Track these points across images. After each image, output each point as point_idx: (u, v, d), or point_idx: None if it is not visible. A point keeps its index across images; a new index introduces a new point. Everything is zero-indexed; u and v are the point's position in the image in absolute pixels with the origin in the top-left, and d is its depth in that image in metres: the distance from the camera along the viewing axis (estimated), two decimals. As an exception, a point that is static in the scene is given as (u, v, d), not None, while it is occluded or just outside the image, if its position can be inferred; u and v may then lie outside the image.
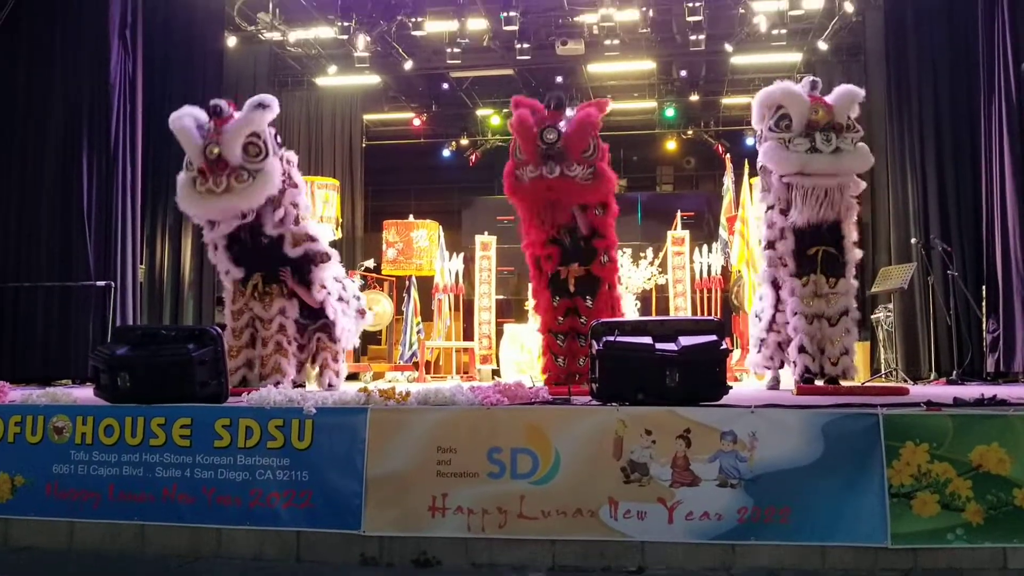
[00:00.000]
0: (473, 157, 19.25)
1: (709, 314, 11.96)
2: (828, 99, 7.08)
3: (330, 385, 8.04)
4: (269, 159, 7.11)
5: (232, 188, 6.93)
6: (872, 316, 11.46)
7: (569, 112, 7.10)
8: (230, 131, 6.99)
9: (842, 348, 7.10)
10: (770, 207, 7.44)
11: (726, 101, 17.92)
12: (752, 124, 7.77)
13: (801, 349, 7.11)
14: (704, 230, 16.34)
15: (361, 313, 8.43)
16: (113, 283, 10.12)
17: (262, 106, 7.20)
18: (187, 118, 7.14)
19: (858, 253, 7.29)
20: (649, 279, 13.14)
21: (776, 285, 7.53)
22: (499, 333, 12.83)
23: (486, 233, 13.49)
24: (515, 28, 13.55)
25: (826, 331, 7.07)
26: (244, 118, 7.13)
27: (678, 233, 12.96)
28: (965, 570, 4.61)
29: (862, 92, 7.19)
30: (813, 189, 6.96)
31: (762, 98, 7.34)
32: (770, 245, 7.39)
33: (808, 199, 6.98)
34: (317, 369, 8.21)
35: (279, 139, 7.48)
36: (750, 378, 10.97)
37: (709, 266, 12.48)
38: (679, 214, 13.88)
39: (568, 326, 7.26)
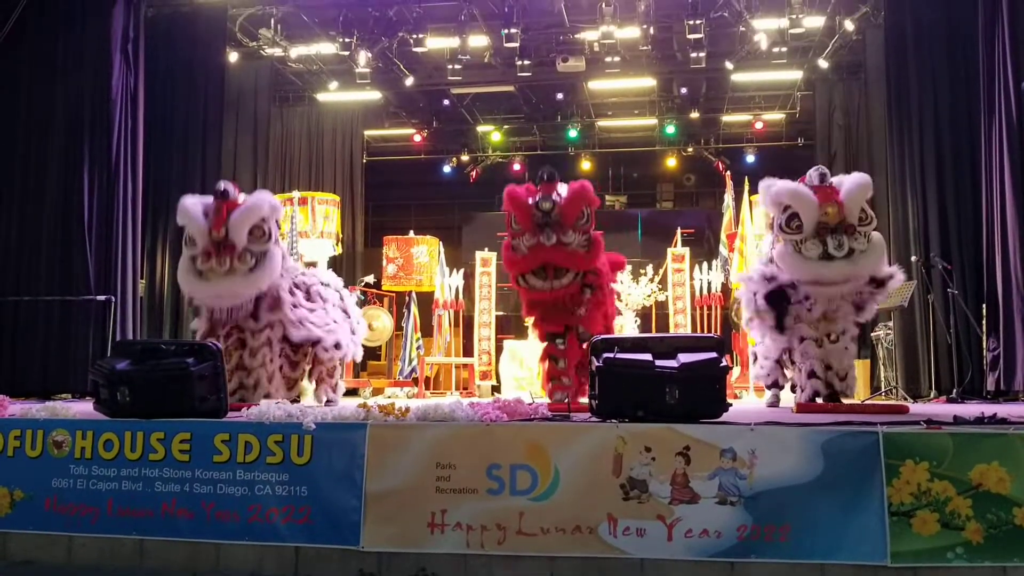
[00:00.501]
0: (474, 173, 19.28)
1: (709, 331, 11.96)
2: (841, 193, 6.85)
3: (328, 400, 8.03)
4: (272, 244, 7.17)
5: (236, 270, 6.97)
6: (872, 334, 11.46)
7: (561, 186, 7.14)
8: (238, 216, 7.02)
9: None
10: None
11: (726, 118, 17.95)
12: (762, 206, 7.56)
13: (812, 375, 7.13)
14: (704, 247, 16.36)
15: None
16: (113, 297, 10.14)
17: (272, 205, 7.30)
18: (194, 203, 7.18)
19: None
20: (649, 296, 13.14)
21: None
22: (499, 349, 12.82)
23: (486, 249, 13.49)
24: (516, 45, 13.57)
25: (829, 348, 7.08)
26: (254, 204, 7.17)
27: (678, 250, 12.98)
28: (965, 589, 4.60)
29: (870, 183, 7.02)
30: (826, 294, 6.94)
31: (771, 195, 7.11)
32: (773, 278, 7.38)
33: (821, 301, 6.98)
34: (314, 384, 8.20)
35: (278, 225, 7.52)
36: (750, 395, 10.98)
37: (709, 283, 12.48)
38: (679, 231, 13.88)
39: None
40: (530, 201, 6.96)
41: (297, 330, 7.51)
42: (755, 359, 8.17)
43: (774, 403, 7.99)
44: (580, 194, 7.04)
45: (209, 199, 7.18)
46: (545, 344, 7.35)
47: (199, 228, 7.03)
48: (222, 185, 7.25)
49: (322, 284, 8.13)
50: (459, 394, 12.21)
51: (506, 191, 7.14)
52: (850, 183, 6.92)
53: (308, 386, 8.27)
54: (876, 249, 6.88)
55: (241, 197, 7.27)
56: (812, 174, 7.07)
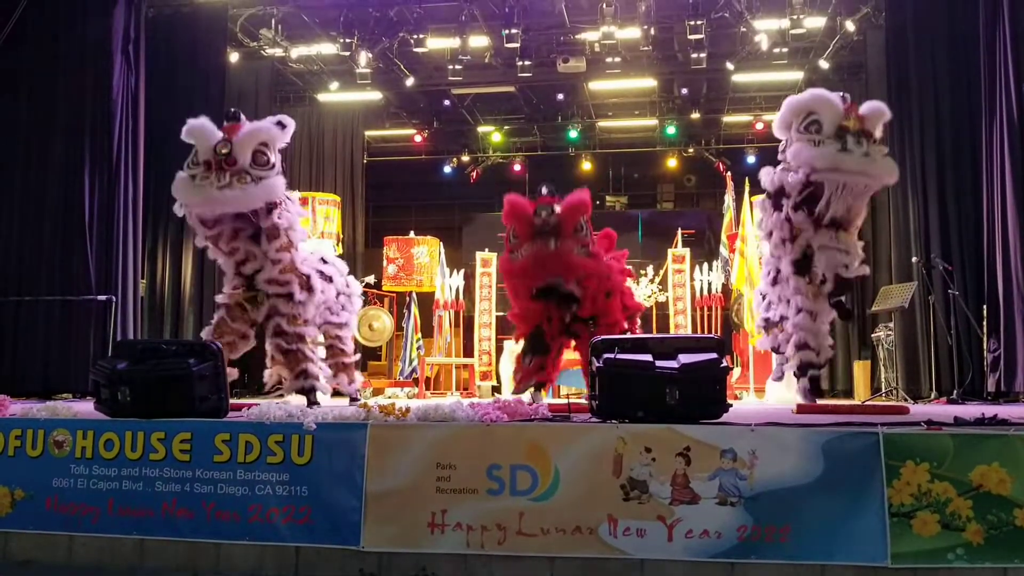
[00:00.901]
0: (474, 174, 19.27)
1: (709, 332, 11.96)
2: (864, 108, 7.07)
3: (351, 396, 8.07)
4: (274, 172, 7.14)
5: (232, 186, 6.93)
6: (873, 335, 11.46)
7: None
8: (244, 133, 7.06)
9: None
10: (770, 233, 7.48)
11: (727, 119, 17.94)
12: (774, 130, 7.56)
13: (804, 345, 7.19)
14: (705, 248, 16.37)
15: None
16: (114, 297, 10.15)
17: (281, 124, 7.30)
18: (203, 120, 7.19)
19: (865, 269, 7.31)
20: (649, 297, 13.15)
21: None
22: (499, 349, 12.83)
23: (487, 250, 13.50)
24: (517, 45, 13.57)
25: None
26: (260, 126, 7.22)
27: (679, 251, 12.98)
28: (965, 590, 4.60)
29: (888, 112, 7.18)
30: (845, 185, 6.94)
31: (792, 104, 7.25)
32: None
33: (839, 194, 6.96)
34: (332, 372, 8.23)
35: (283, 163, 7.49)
36: (750, 396, 10.99)
37: (710, 284, 12.48)
38: (680, 232, 13.89)
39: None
40: (529, 209, 6.99)
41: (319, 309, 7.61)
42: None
43: (780, 376, 8.09)
44: (577, 204, 7.05)
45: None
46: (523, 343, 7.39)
47: (206, 143, 7.04)
48: (233, 109, 7.38)
49: (340, 273, 8.19)
50: (459, 394, 12.22)
51: (507, 201, 7.13)
52: (870, 104, 7.13)
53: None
54: (887, 164, 7.05)
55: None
56: (836, 96, 7.13)
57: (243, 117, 7.32)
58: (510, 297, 7.44)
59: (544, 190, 7.11)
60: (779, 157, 7.42)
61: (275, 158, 7.19)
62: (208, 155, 7.00)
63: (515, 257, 7.02)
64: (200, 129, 7.12)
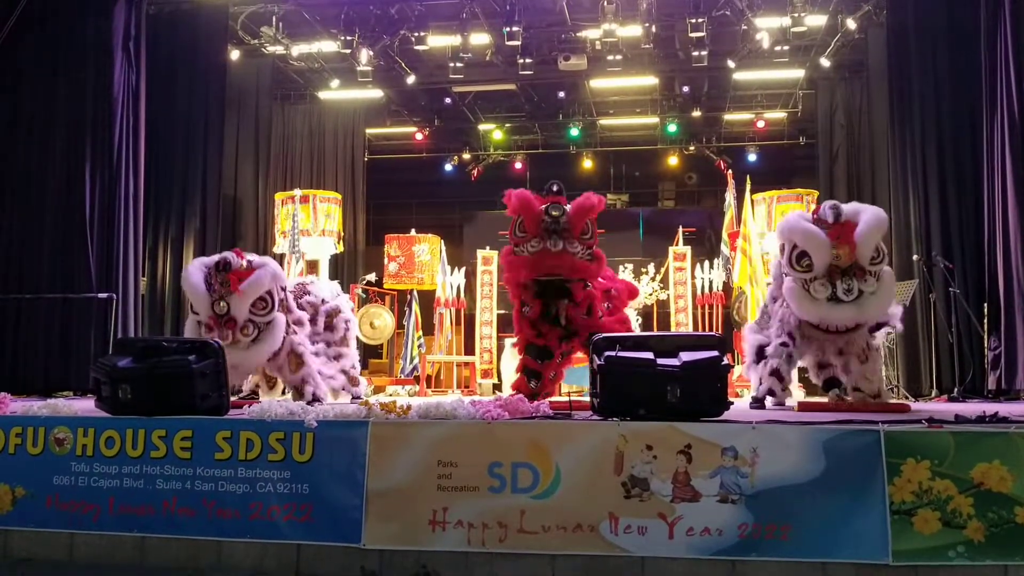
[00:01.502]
0: (475, 172, 19.26)
1: (710, 330, 11.94)
2: (855, 232, 6.59)
3: (355, 398, 8.10)
4: (275, 313, 7.17)
5: (239, 342, 6.98)
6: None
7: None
8: (243, 292, 7.00)
9: None
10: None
11: (728, 117, 17.92)
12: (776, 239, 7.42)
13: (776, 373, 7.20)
14: (706, 246, 16.33)
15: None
16: (115, 295, 10.15)
17: (275, 274, 7.30)
18: (196, 272, 7.15)
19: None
20: (651, 295, 13.13)
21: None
22: (500, 347, 12.81)
23: (488, 247, 13.47)
24: (518, 43, 13.54)
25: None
26: (255, 280, 7.09)
27: (680, 249, 12.95)
28: (966, 587, 4.61)
29: (886, 221, 6.88)
30: (824, 339, 6.96)
31: (782, 230, 6.99)
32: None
33: (825, 345, 7.03)
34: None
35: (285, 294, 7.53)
36: (751, 394, 10.96)
37: (711, 282, 12.46)
38: (681, 230, 13.85)
39: (548, 344, 7.31)
40: (539, 207, 6.99)
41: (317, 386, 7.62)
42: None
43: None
44: (586, 207, 7.08)
45: (212, 260, 7.20)
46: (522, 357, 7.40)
47: (201, 301, 7.04)
48: (224, 257, 7.20)
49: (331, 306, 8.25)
50: (460, 392, 12.21)
51: (517, 194, 7.13)
52: (865, 223, 6.65)
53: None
54: (885, 289, 6.75)
55: (244, 262, 7.21)
56: (826, 210, 6.80)
57: (235, 260, 7.18)
58: (510, 296, 7.44)
59: (555, 187, 7.15)
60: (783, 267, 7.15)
61: (274, 297, 7.19)
62: (207, 315, 7.03)
63: (520, 251, 7.03)
64: (192, 291, 7.11)
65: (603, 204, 7.30)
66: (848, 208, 6.84)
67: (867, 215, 6.72)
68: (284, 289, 7.55)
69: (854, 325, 6.75)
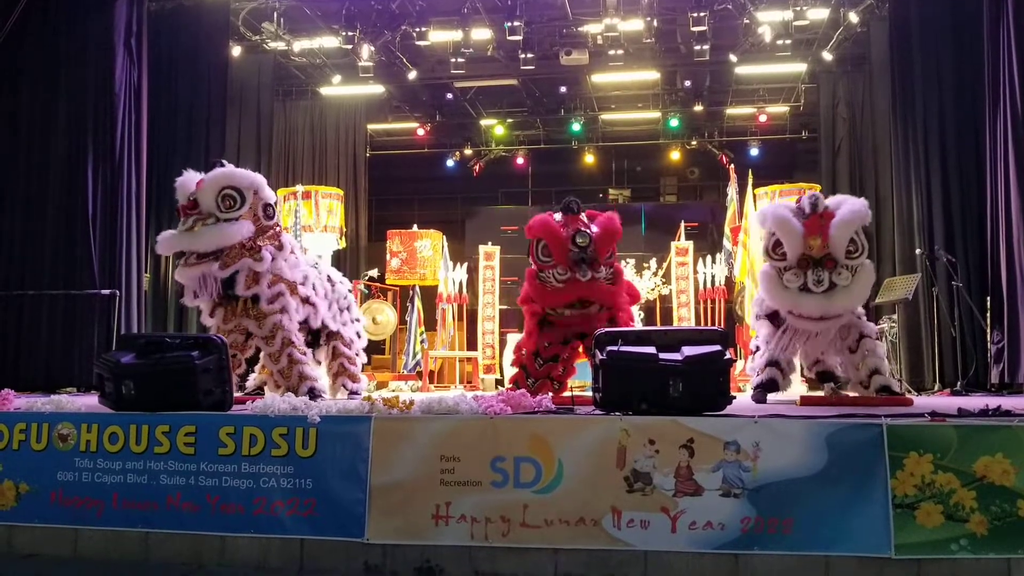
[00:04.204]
0: (477, 167, 19.27)
1: (713, 324, 11.94)
2: (831, 224, 6.62)
3: (352, 393, 8.08)
4: (240, 213, 7.11)
5: (193, 229, 7.00)
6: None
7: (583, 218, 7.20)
8: (208, 178, 7.12)
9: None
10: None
11: (730, 111, 17.92)
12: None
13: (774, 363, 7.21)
14: (708, 240, 16.35)
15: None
16: (118, 291, 10.15)
17: (248, 177, 7.34)
18: (189, 173, 7.32)
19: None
20: (653, 289, 13.14)
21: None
22: (502, 343, 12.83)
23: (490, 243, 13.50)
24: (519, 38, 13.55)
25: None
26: (225, 171, 7.25)
27: (682, 243, 12.96)
28: (969, 581, 4.61)
29: (868, 214, 6.80)
30: (799, 330, 6.97)
31: (759, 217, 7.15)
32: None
33: (795, 336, 7.03)
34: (331, 378, 8.25)
35: (272, 212, 7.44)
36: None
37: (713, 276, 12.46)
38: (683, 224, 13.85)
39: (553, 353, 7.32)
40: (564, 233, 6.94)
41: (302, 314, 7.56)
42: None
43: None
44: (612, 231, 7.10)
45: None
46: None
47: (184, 193, 7.15)
48: (216, 160, 7.51)
49: (332, 280, 8.17)
50: (463, 387, 12.22)
51: (539, 221, 7.12)
52: (842, 214, 6.67)
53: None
54: (859, 284, 6.73)
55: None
56: (805, 201, 6.84)
57: (226, 164, 7.38)
58: (524, 311, 7.47)
59: (574, 207, 7.10)
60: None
61: (245, 199, 7.15)
62: (183, 201, 7.12)
63: (546, 277, 7.01)
64: (182, 183, 7.24)
65: (621, 231, 7.29)
66: (831, 200, 6.91)
67: (845, 207, 6.75)
68: (268, 209, 7.45)
69: (818, 316, 6.76)
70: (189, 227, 6.97)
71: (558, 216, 7.13)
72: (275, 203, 7.53)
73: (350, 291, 8.57)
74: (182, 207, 7.07)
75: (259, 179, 7.39)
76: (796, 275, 6.63)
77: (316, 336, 8.14)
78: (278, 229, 7.46)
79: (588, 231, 6.93)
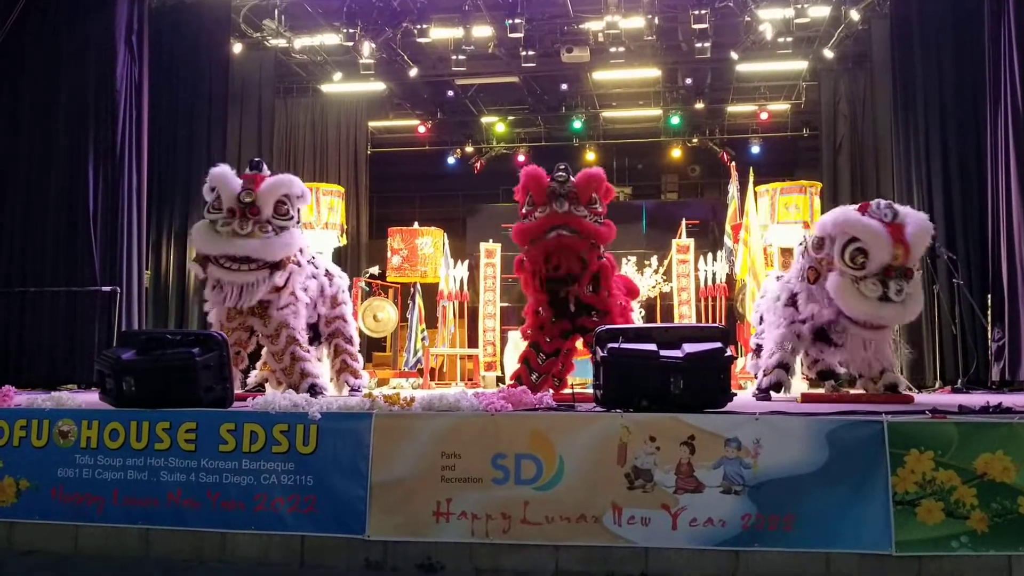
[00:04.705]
0: (478, 164, 19.27)
1: (714, 322, 11.93)
2: (906, 233, 6.55)
3: (353, 389, 8.08)
4: (294, 224, 7.23)
5: (255, 235, 6.97)
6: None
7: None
8: (268, 184, 7.13)
9: None
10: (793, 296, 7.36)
11: (731, 109, 17.91)
12: (815, 228, 7.18)
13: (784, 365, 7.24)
14: (709, 238, 16.34)
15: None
16: (119, 288, 10.15)
17: (301, 185, 7.41)
18: (226, 168, 7.34)
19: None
20: (654, 287, 13.14)
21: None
22: (503, 340, 12.82)
23: (491, 240, 13.47)
24: (520, 35, 13.55)
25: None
26: (284, 178, 7.31)
27: (683, 241, 12.94)
28: (970, 578, 4.61)
29: (932, 228, 6.79)
30: (863, 335, 6.97)
31: (835, 224, 6.77)
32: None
33: (858, 344, 7.04)
34: (334, 374, 8.26)
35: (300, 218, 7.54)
36: (754, 386, 10.96)
37: (714, 274, 12.44)
38: (684, 222, 13.82)
39: (555, 347, 7.29)
40: (547, 175, 7.07)
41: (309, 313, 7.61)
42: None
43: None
44: (593, 176, 7.14)
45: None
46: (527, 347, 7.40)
47: (230, 191, 7.07)
48: (257, 159, 7.49)
49: (330, 275, 8.18)
50: (464, 385, 12.21)
51: (527, 169, 7.23)
52: (916, 226, 6.62)
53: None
54: (919, 291, 6.78)
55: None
56: (883, 208, 6.71)
57: (265, 167, 7.44)
58: (523, 284, 7.43)
59: (562, 166, 7.17)
60: (813, 254, 7.02)
61: (295, 211, 7.25)
62: (232, 203, 7.03)
63: (528, 218, 7.07)
64: (223, 177, 7.18)
65: (611, 190, 7.33)
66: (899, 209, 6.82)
67: (916, 217, 6.72)
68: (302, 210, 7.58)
69: (894, 325, 6.80)
70: (249, 232, 6.95)
71: None
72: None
73: (349, 287, 8.57)
74: (241, 208, 7.00)
75: (305, 188, 7.47)
76: (876, 284, 6.51)
77: (317, 332, 8.17)
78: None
79: (567, 174, 7.04)
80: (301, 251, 7.49)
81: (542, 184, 7.02)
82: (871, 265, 6.52)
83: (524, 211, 7.15)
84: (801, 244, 7.52)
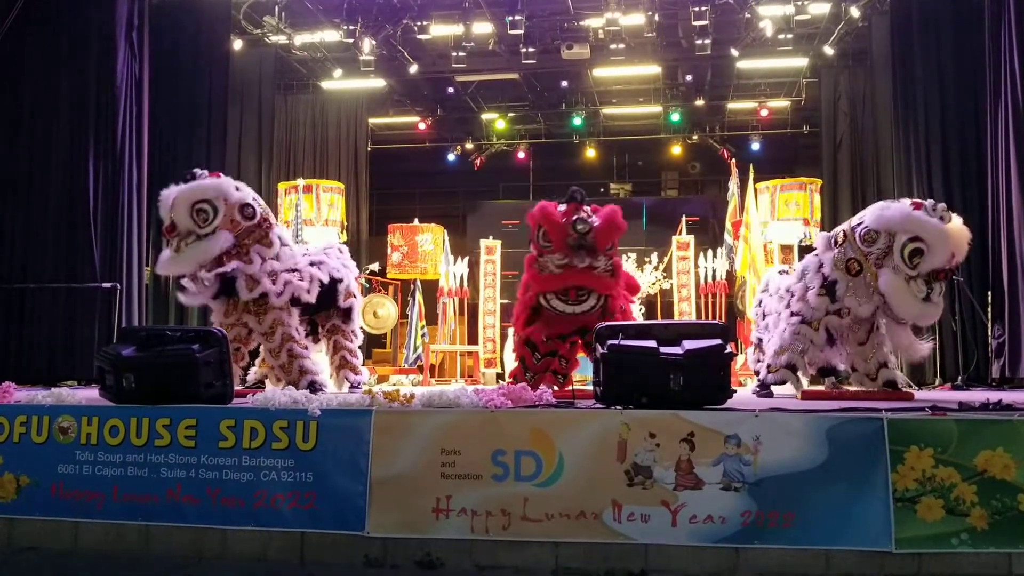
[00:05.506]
0: (478, 161, 19.26)
1: (714, 319, 11.94)
2: (956, 237, 6.58)
3: (353, 386, 8.07)
4: (215, 225, 7.09)
5: (180, 250, 7.07)
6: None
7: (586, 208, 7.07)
8: (176, 198, 7.10)
9: None
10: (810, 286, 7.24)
11: (732, 106, 17.90)
12: (866, 218, 6.94)
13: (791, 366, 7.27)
14: (709, 235, 16.34)
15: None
16: (119, 285, 10.15)
17: (216, 186, 7.23)
18: (169, 191, 7.24)
19: None
20: (654, 284, 13.13)
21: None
22: (503, 337, 12.83)
23: (491, 237, 13.50)
24: (520, 32, 13.54)
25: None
26: (194, 186, 7.15)
27: (683, 238, 12.95)
28: (970, 575, 4.60)
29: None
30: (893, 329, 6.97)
31: (903, 220, 6.64)
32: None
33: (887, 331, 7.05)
34: (334, 370, 8.25)
35: (252, 211, 7.34)
36: (754, 382, 10.97)
37: (714, 271, 12.45)
38: (684, 219, 13.82)
39: (551, 348, 7.24)
40: (564, 220, 6.83)
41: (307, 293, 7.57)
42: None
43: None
44: (614, 222, 6.92)
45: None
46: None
47: (164, 214, 7.19)
48: (188, 173, 7.32)
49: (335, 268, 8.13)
50: (464, 381, 12.21)
51: (541, 207, 7.00)
52: (959, 234, 6.61)
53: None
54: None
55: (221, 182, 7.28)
56: (940, 211, 6.68)
57: (198, 174, 7.27)
58: (519, 292, 7.39)
59: (576, 196, 6.96)
60: (861, 246, 6.86)
61: (219, 209, 7.09)
62: (165, 224, 7.19)
63: (544, 263, 6.90)
64: (163, 200, 7.21)
65: (624, 228, 7.10)
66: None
67: (959, 222, 6.71)
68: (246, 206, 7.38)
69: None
70: (176, 249, 7.05)
71: (562, 206, 7.07)
72: (253, 198, 7.45)
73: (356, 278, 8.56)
74: (164, 230, 7.14)
75: (226, 184, 7.28)
76: (922, 285, 6.52)
77: (315, 328, 8.16)
78: (266, 225, 7.42)
79: (589, 220, 6.84)
80: (285, 245, 7.53)
81: (558, 226, 6.79)
82: (924, 266, 6.51)
83: (538, 247, 6.96)
84: (832, 235, 7.35)
